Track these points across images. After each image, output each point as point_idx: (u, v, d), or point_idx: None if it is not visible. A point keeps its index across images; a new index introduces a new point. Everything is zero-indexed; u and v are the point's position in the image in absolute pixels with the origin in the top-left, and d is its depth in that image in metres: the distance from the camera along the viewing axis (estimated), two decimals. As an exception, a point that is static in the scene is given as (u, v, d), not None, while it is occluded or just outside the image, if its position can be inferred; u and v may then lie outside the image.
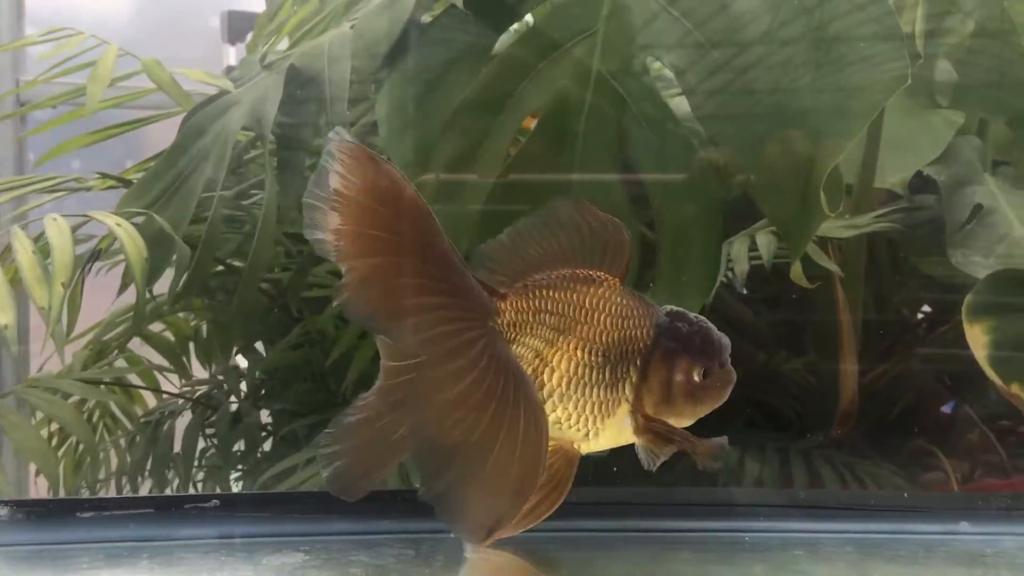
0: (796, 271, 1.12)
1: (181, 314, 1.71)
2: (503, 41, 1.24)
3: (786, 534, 0.75)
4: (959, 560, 0.79)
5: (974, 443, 1.79)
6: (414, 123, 1.21)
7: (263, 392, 1.64)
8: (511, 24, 1.23)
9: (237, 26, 2.00)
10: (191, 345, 1.72)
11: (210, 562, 0.78)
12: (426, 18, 1.29)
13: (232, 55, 2.01)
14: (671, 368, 0.77)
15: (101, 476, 1.59)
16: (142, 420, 1.61)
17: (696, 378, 0.78)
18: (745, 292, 1.71)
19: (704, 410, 0.79)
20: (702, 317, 0.80)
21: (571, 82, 1.12)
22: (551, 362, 0.76)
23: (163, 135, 1.60)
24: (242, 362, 1.71)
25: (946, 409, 1.80)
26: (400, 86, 1.22)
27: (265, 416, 1.63)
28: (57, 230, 1.15)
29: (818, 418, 1.59)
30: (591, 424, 0.76)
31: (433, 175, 1.18)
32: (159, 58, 1.56)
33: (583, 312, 0.76)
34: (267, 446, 1.60)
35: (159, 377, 1.70)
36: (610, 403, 0.76)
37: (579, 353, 0.76)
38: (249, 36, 1.85)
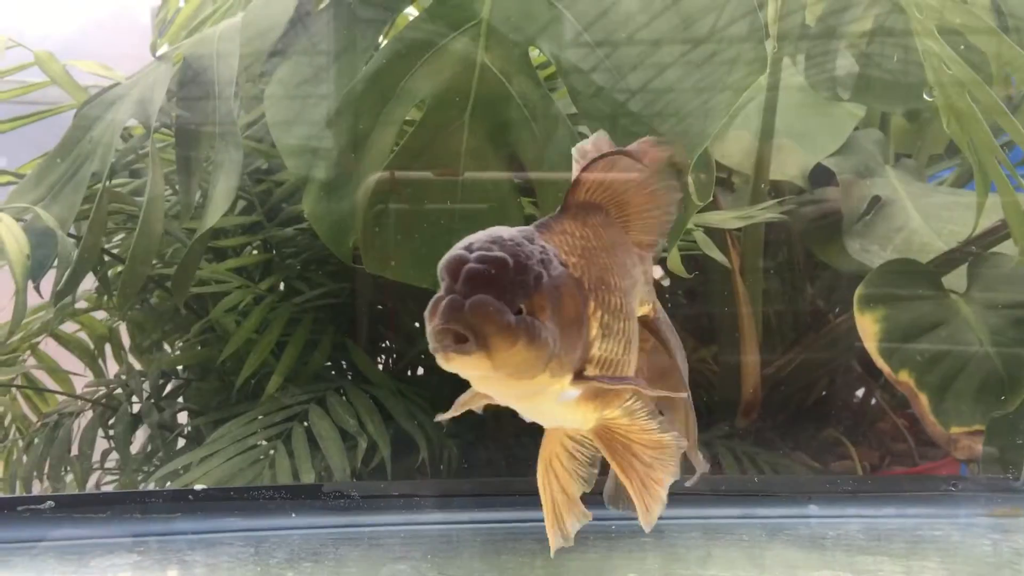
0: (674, 261, 1.13)
1: (96, 314, 1.68)
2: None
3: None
4: (799, 543, 0.80)
5: (884, 432, 1.83)
6: (303, 116, 1.19)
7: (167, 392, 1.61)
8: (402, 9, 1.22)
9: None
10: (107, 346, 1.70)
11: (38, 565, 0.76)
12: (318, 6, 1.28)
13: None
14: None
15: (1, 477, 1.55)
16: (40, 422, 1.57)
17: None
18: (666, 284, 1.72)
19: None
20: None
21: (457, 73, 1.12)
22: None
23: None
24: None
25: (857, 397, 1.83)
26: (287, 77, 1.21)
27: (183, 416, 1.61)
28: (-68, 225, 1.12)
29: (724, 409, 1.60)
30: None
31: (388, 173, 1.16)
32: (93, 56, 1.54)
33: None
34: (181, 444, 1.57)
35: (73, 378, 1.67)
36: None
37: None
38: None
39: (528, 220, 1.18)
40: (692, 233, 1.32)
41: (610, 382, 0.69)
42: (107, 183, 1.28)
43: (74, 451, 1.52)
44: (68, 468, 1.49)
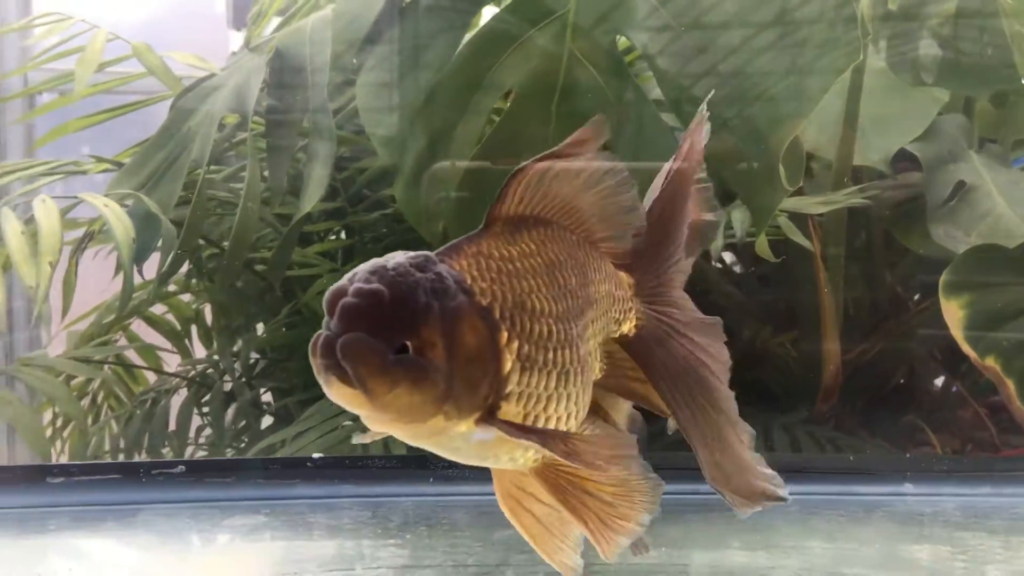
0: (762, 245, 1.14)
1: (184, 296, 1.75)
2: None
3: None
4: (897, 519, 0.81)
5: (964, 419, 1.81)
6: (393, 104, 1.23)
7: (257, 371, 1.67)
8: (486, 2, 1.25)
9: (241, 11, 2.02)
10: (193, 327, 1.76)
11: (175, 523, 0.81)
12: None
13: (238, 40, 2.04)
14: None
15: (107, 449, 1.63)
16: (138, 399, 1.64)
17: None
18: (737, 270, 1.73)
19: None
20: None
21: (544, 63, 1.14)
22: None
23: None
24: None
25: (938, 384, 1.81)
26: (379, 68, 1.24)
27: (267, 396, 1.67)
28: (45, 211, 1.18)
29: (803, 394, 1.60)
30: None
31: (449, 162, 1.19)
32: (166, 43, 1.59)
33: None
34: (268, 422, 1.63)
35: (162, 358, 1.74)
36: None
37: None
38: None
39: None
40: (776, 218, 1.33)
41: (516, 433, 0.59)
42: (206, 170, 1.34)
43: (171, 427, 1.59)
44: (166, 442, 1.56)
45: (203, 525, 0.81)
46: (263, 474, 0.91)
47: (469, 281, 0.60)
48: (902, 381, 1.76)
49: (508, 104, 1.18)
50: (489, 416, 0.59)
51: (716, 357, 0.72)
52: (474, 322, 0.58)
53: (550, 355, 0.61)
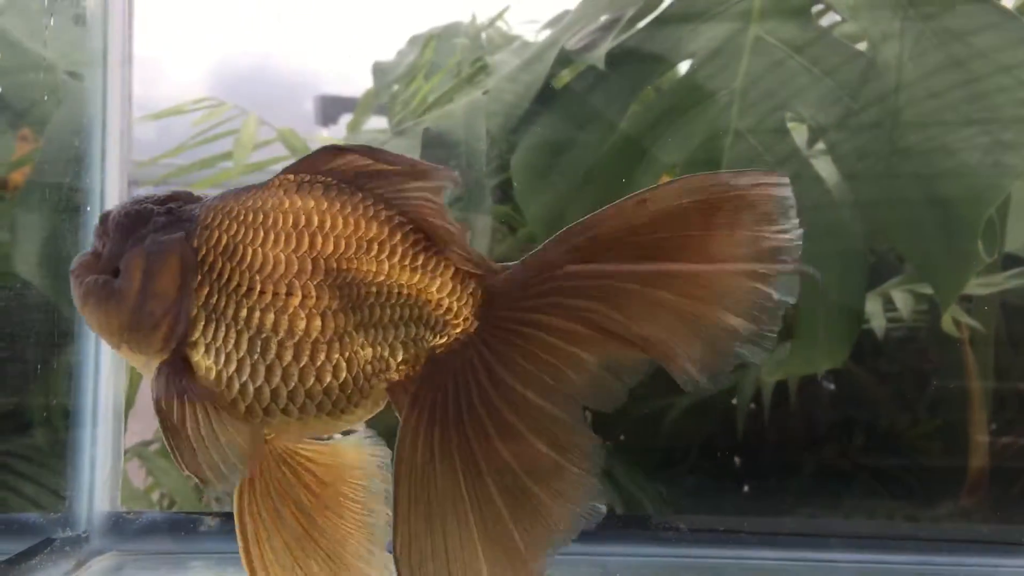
0: (948, 321, 1.12)
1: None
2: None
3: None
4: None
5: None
6: (549, 181, 1.25)
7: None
8: (649, 83, 1.28)
9: (329, 110, 2.10)
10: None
11: None
12: (557, 83, 1.34)
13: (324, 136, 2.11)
14: None
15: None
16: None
17: None
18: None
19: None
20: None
21: (708, 139, 1.15)
22: None
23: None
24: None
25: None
26: (535, 146, 1.27)
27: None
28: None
29: (947, 486, 1.55)
30: None
31: None
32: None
33: None
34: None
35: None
36: None
37: None
38: (341, 118, 1.96)
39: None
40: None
41: (167, 384, 0.57)
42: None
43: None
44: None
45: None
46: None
47: (199, 224, 0.58)
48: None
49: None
50: (172, 359, 0.57)
51: (561, 442, 0.57)
52: (170, 260, 0.57)
53: (244, 312, 0.57)
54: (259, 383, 0.57)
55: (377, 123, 1.88)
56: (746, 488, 1.56)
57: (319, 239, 0.58)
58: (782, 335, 1.27)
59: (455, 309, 0.59)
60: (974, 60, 1.00)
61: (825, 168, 1.12)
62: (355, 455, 0.64)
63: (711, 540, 0.95)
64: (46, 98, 1.11)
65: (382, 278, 0.58)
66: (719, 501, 1.44)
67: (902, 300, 1.22)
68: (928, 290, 1.27)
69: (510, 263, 0.60)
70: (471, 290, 0.59)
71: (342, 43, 1.89)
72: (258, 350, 0.57)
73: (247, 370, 0.57)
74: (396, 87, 1.82)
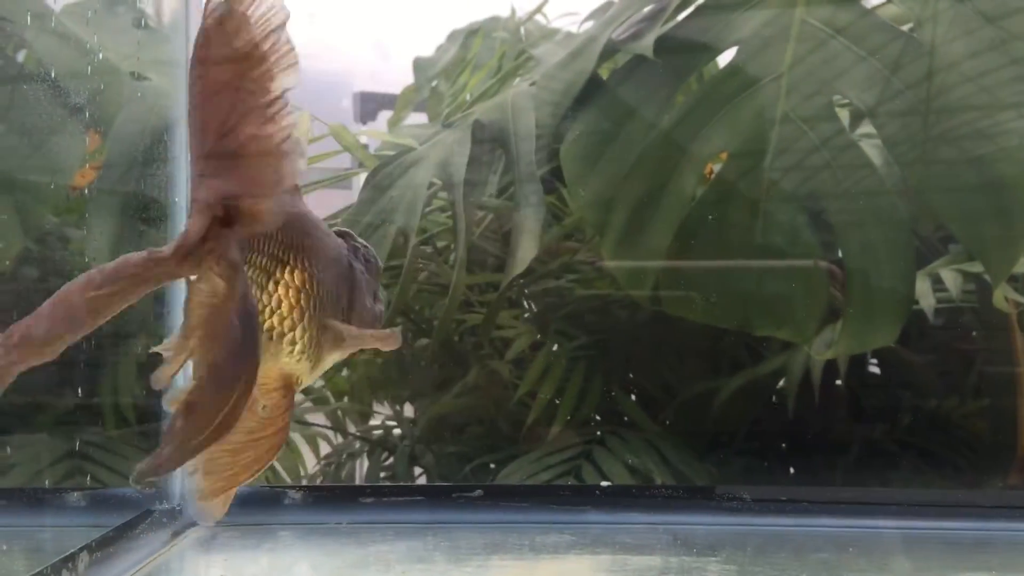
0: (999, 297, 1.13)
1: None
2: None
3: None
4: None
5: None
6: (599, 169, 1.27)
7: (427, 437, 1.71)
8: (695, 70, 1.30)
9: (367, 106, 2.13)
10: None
11: (487, 538, 0.89)
12: (603, 72, 1.37)
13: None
14: (363, 293, 0.63)
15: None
16: (322, 463, 1.69)
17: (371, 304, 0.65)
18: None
19: None
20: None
21: (756, 124, 1.17)
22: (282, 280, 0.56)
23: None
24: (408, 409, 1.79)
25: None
26: (585, 134, 1.29)
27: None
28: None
29: (995, 466, 1.56)
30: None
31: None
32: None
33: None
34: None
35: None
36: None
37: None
38: (380, 115, 2.00)
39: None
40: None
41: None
42: (416, 239, 1.40)
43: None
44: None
45: (511, 540, 0.89)
46: (556, 500, 1.01)
47: None
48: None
49: (721, 164, 1.21)
50: None
51: None
52: None
53: None
54: None
55: (416, 119, 1.92)
56: (792, 470, 1.58)
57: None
58: (830, 316, 1.30)
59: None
60: (1015, 41, 1.02)
61: (872, 151, 1.14)
62: None
63: (775, 509, 1.01)
64: (113, 99, 1.16)
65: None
66: (768, 482, 1.46)
67: (951, 279, 1.24)
68: (976, 268, 1.29)
69: None
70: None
71: (376, 40, 1.93)
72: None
73: None
74: (436, 82, 1.85)
